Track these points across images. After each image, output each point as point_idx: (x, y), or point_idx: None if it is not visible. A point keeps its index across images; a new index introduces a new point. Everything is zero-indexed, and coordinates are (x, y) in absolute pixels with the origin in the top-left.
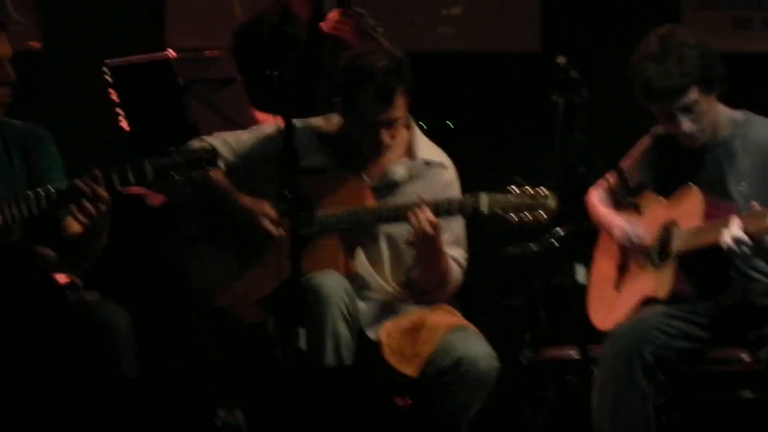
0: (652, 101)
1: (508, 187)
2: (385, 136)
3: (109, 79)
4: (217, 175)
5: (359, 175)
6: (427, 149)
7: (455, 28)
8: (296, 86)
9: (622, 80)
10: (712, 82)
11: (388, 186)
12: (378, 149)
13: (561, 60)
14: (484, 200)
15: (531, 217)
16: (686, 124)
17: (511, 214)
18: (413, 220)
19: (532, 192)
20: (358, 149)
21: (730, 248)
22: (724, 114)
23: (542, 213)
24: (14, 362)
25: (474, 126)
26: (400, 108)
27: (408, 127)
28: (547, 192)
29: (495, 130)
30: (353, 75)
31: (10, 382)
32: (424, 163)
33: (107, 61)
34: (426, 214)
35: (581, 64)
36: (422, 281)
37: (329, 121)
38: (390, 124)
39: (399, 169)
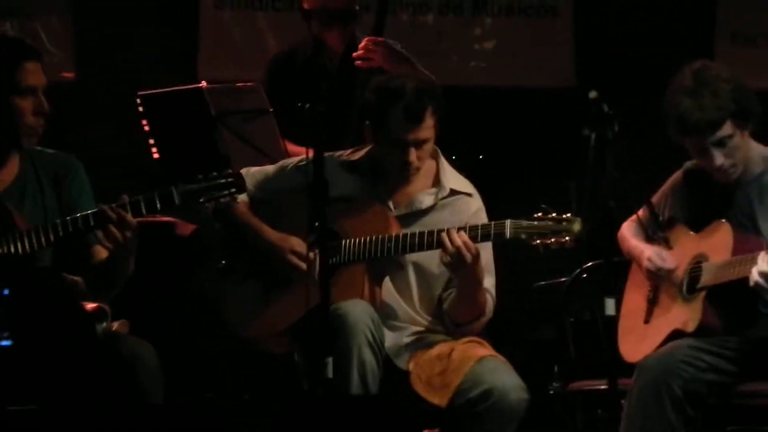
0: (687, 135)
1: (534, 215)
2: (413, 156)
3: (142, 109)
4: (242, 209)
5: (385, 203)
6: (454, 179)
7: (487, 63)
8: (328, 119)
9: (655, 115)
10: (746, 116)
11: (414, 214)
12: (406, 174)
13: (593, 94)
14: (508, 225)
15: (555, 241)
16: (719, 159)
17: (536, 239)
18: (447, 242)
19: (557, 217)
20: (385, 176)
21: (757, 283)
22: (757, 150)
23: (566, 237)
24: (39, 389)
25: (505, 160)
26: (429, 129)
27: (435, 158)
28: (571, 216)
29: (527, 164)
30: (383, 95)
31: (35, 409)
32: (450, 192)
33: (140, 92)
34: (463, 237)
35: (614, 99)
36: (457, 313)
37: (356, 152)
38: (418, 144)
39: (426, 198)
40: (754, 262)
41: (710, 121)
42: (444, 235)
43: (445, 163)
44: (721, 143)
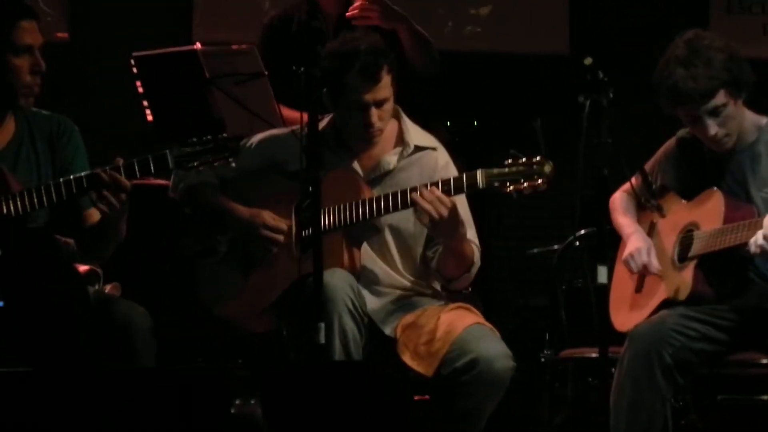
0: (680, 105)
1: (504, 161)
2: (374, 117)
3: (136, 71)
4: (209, 192)
5: (352, 168)
6: (417, 136)
7: (483, 28)
8: (322, 82)
9: (650, 82)
10: (739, 85)
11: (382, 176)
12: (369, 136)
13: (588, 61)
14: (480, 174)
15: (528, 186)
16: (713, 128)
17: (509, 186)
18: (419, 200)
19: (527, 161)
20: (349, 142)
21: (762, 248)
22: (750, 119)
23: (539, 179)
24: (32, 348)
25: (499, 126)
26: (387, 87)
27: (398, 118)
28: (541, 159)
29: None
30: (338, 59)
31: (28, 369)
32: (415, 149)
33: (134, 53)
34: (435, 192)
35: (609, 66)
36: (447, 269)
37: (319, 122)
38: (378, 104)
39: (391, 159)
40: (747, 228)
41: (703, 91)
42: (415, 194)
43: (407, 122)
44: (714, 112)
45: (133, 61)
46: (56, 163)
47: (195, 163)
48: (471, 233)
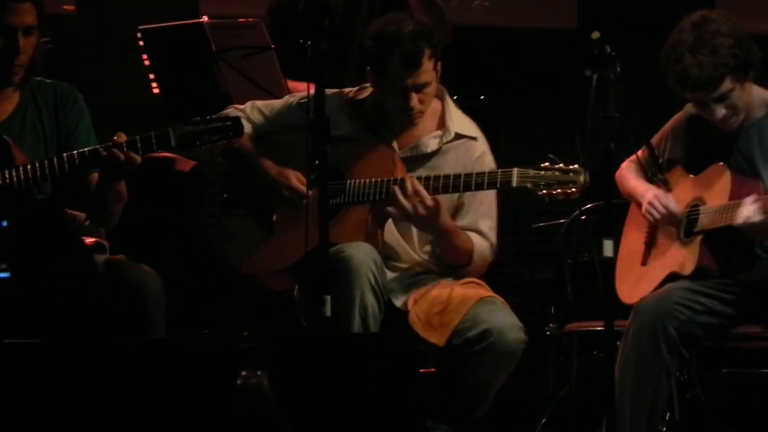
0: (686, 91)
1: (541, 164)
2: (414, 101)
3: (142, 44)
4: (245, 143)
5: (390, 145)
6: (460, 122)
7: (490, 2)
8: (330, 56)
9: (657, 57)
10: (746, 68)
11: (418, 158)
12: (409, 118)
13: (595, 35)
14: (515, 174)
15: (561, 192)
16: (720, 112)
17: (542, 189)
18: (399, 195)
19: (564, 167)
20: (389, 119)
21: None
22: (758, 94)
23: (573, 188)
24: (39, 320)
25: (507, 100)
26: (428, 72)
27: (441, 99)
28: (578, 167)
29: (528, 104)
30: (380, 42)
31: (39, 340)
32: (455, 136)
33: (141, 26)
34: (416, 188)
35: (616, 40)
36: (444, 257)
37: (362, 91)
38: (419, 88)
39: (431, 142)
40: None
41: (709, 79)
42: (395, 187)
43: (451, 104)
44: (721, 98)
45: (139, 34)
46: (60, 129)
47: (198, 143)
48: (487, 225)
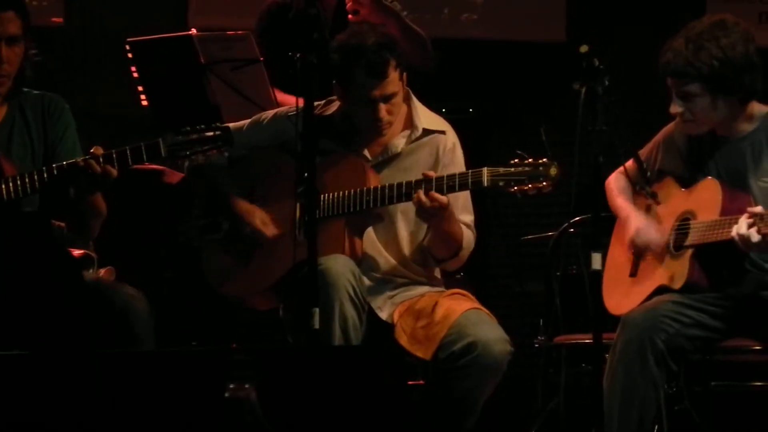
0: (660, 70)
1: (510, 161)
2: (383, 112)
3: (131, 56)
4: (215, 171)
5: (362, 154)
6: (427, 118)
7: (479, 15)
8: (319, 69)
9: (646, 70)
10: (724, 88)
11: (390, 159)
12: (378, 128)
13: (584, 48)
14: (485, 173)
15: (532, 187)
16: (676, 107)
17: (514, 186)
18: (423, 199)
19: (533, 162)
20: (359, 131)
21: (736, 243)
22: (751, 109)
23: (544, 181)
24: (29, 332)
25: (495, 113)
26: (394, 82)
27: (408, 100)
28: (547, 161)
29: (516, 117)
30: (345, 54)
31: (25, 352)
32: (424, 132)
33: (129, 38)
34: (433, 196)
35: (605, 54)
36: (437, 249)
37: (329, 105)
38: (386, 99)
39: (399, 142)
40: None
41: (676, 71)
42: (421, 193)
43: (417, 104)
44: (684, 96)
45: (128, 47)
46: (47, 140)
47: (187, 152)
48: (468, 218)
